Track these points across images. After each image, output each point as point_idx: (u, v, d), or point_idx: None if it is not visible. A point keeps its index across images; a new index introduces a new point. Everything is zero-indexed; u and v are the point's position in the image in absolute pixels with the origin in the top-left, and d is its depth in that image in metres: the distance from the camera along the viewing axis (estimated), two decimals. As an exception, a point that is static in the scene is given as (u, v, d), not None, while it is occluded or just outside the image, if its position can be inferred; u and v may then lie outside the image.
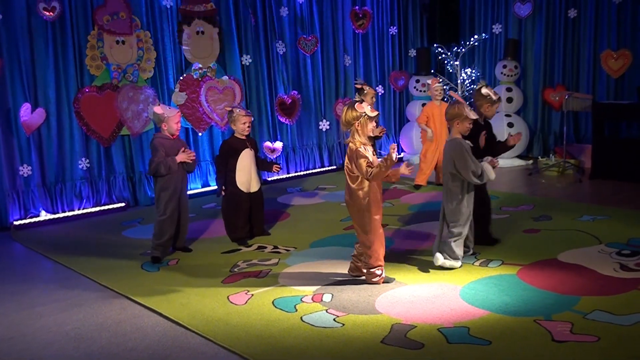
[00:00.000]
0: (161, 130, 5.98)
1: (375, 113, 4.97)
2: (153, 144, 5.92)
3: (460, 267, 5.38)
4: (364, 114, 4.88)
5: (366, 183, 4.93)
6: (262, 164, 6.77)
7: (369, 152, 4.94)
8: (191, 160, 6.02)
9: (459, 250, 5.38)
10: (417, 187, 8.77)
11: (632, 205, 7.39)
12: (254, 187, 6.55)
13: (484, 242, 5.88)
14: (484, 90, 5.90)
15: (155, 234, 6.03)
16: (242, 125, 6.47)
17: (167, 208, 5.93)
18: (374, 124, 4.99)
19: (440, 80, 9.22)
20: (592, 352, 3.79)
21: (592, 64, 10.12)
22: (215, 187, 7.17)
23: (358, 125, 4.90)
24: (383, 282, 5.11)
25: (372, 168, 4.81)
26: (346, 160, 5.03)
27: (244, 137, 6.54)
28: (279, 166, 6.87)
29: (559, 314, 4.35)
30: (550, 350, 3.85)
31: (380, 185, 5.08)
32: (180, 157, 5.93)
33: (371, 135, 5.02)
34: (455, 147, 5.30)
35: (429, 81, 8.87)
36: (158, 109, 5.94)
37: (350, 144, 4.95)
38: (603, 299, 4.57)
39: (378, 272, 5.10)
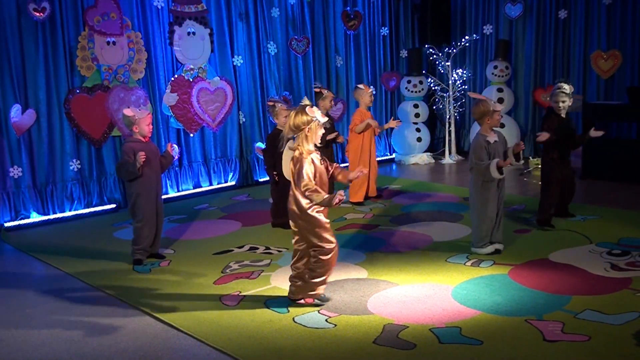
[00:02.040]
0: (132, 133, 5.84)
1: (326, 119, 4.65)
2: (123, 149, 5.81)
3: (487, 252, 5.72)
4: (314, 119, 4.53)
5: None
6: None
7: (315, 162, 4.58)
8: (140, 163, 5.63)
9: (476, 240, 5.77)
10: (358, 204, 8.01)
11: (622, 205, 7.43)
12: None
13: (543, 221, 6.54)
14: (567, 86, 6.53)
15: (134, 240, 5.96)
16: (284, 119, 6.77)
17: (145, 213, 5.84)
18: (323, 130, 4.65)
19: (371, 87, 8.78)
20: (583, 351, 3.81)
21: (583, 65, 10.17)
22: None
23: (308, 131, 4.52)
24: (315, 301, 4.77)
25: (311, 190, 4.45)
26: (290, 165, 4.67)
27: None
28: None
29: (550, 314, 4.37)
30: (542, 349, 3.87)
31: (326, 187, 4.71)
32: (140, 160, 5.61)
33: (318, 143, 4.65)
34: (473, 143, 5.68)
35: (361, 86, 8.19)
36: (128, 111, 5.80)
37: (296, 152, 4.58)
38: (594, 299, 4.60)
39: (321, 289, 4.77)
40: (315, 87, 7.98)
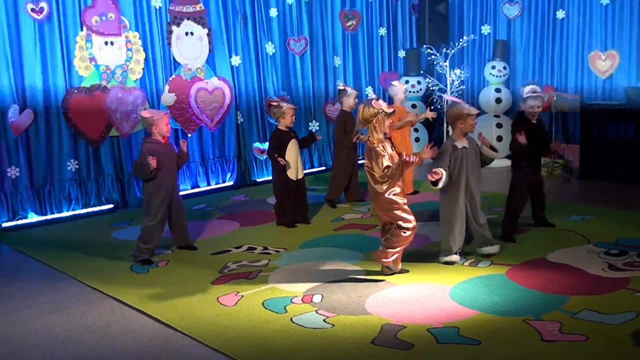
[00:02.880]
0: (151, 134, 5.91)
1: (392, 109, 5.00)
2: (141, 149, 5.86)
3: (445, 260, 5.53)
4: (381, 111, 4.91)
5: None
6: (306, 141, 7.26)
7: (387, 150, 4.98)
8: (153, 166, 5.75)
9: (445, 245, 5.57)
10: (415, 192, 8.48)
11: (619, 204, 7.44)
12: (300, 174, 7.03)
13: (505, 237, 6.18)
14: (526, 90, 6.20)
15: (143, 239, 5.98)
16: (290, 118, 6.92)
17: (159, 213, 5.91)
18: (391, 120, 5.03)
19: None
20: (580, 351, 3.81)
21: (580, 65, 10.18)
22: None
23: (376, 122, 4.93)
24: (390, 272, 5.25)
25: (387, 175, 4.91)
26: (366, 159, 5.07)
27: (288, 129, 6.96)
28: (318, 135, 7.37)
29: (548, 314, 4.37)
30: (539, 349, 3.87)
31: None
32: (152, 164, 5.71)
33: (387, 132, 5.04)
34: (441, 146, 5.50)
35: (395, 82, 8.49)
36: (145, 113, 5.87)
37: (368, 143, 4.99)
38: (591, 299, 4.60)
39: (391, 257, 5.21)
40: (339, 85, 8.08)
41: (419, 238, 6.38)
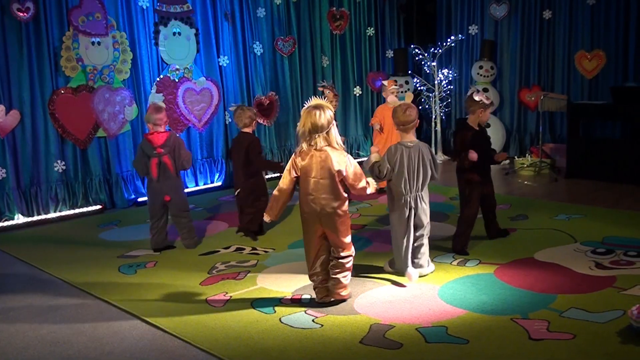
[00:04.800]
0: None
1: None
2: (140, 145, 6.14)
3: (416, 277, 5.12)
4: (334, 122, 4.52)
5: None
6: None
7: (309, 157, 4.49)
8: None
9: (398, 260, 5.22)
10: (382, 190, 8.07)
11: (606, 203, 7.49)
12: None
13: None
14: (477, 97, 5.63)
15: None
16: (247, 120, 6.59)
17: (150, 214, 6.19)
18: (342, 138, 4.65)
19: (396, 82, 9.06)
20: (568, 349, 3.84)
21: (567, 65, 10.24)
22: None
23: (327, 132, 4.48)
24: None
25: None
26: None
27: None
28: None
29: (536, 312, 4.40)
30: (527, 348, 3.89)
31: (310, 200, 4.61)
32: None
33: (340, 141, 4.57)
34: (388, 152, 5.11)
35: (385, 82, 8.42)
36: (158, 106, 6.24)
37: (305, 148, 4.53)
38: (579, 297, 4.63)
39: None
40: (320, 86, 7.87)
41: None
